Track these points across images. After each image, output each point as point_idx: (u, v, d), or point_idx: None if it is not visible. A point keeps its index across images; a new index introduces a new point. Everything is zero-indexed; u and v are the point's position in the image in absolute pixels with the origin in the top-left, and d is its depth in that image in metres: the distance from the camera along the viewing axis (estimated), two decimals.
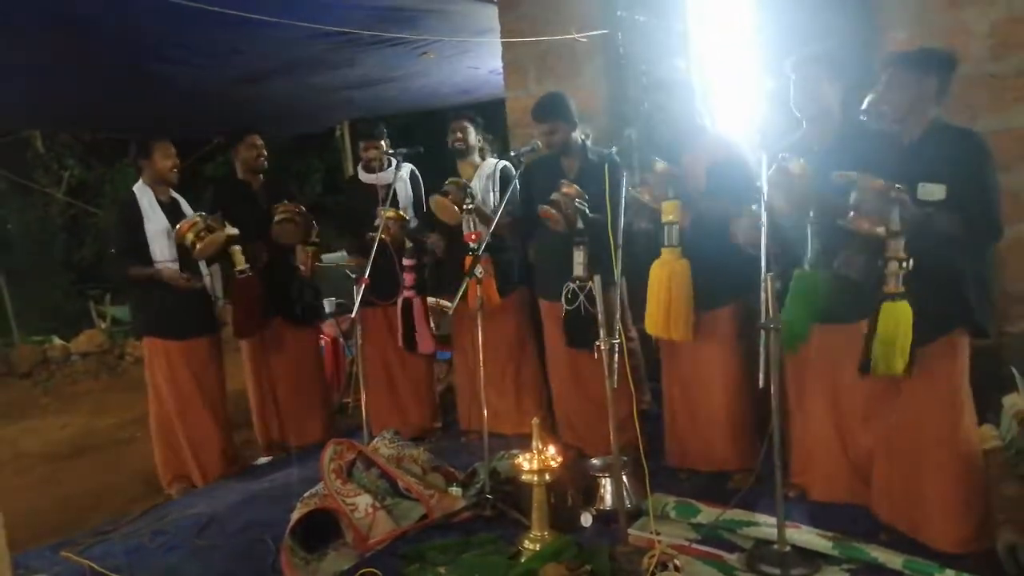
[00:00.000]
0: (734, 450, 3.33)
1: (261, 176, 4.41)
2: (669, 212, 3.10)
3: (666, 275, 3.15)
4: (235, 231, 4.03)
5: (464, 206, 3.69)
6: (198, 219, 3.92)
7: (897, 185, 2.38)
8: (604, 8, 4.54)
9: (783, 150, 2.90)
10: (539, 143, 3.69)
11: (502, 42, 4.88)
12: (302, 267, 4.32)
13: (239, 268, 4.06)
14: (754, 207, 2.72)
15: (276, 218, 4.14)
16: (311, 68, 5.46)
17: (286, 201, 4.25)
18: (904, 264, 2.42)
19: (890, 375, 2.53)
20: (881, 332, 2.49)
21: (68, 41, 4.25)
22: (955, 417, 2.62)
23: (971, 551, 2.58)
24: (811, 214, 2.68)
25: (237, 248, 4.05)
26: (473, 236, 3.58)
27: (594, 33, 4.49)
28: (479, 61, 5.89)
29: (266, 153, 4.37)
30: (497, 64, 5.16)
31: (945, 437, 2.62)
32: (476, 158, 4.16)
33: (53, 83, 5.12)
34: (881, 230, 2.41)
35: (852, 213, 2.47)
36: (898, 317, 2.46)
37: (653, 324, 3.23)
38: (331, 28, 4.38)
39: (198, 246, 3.85)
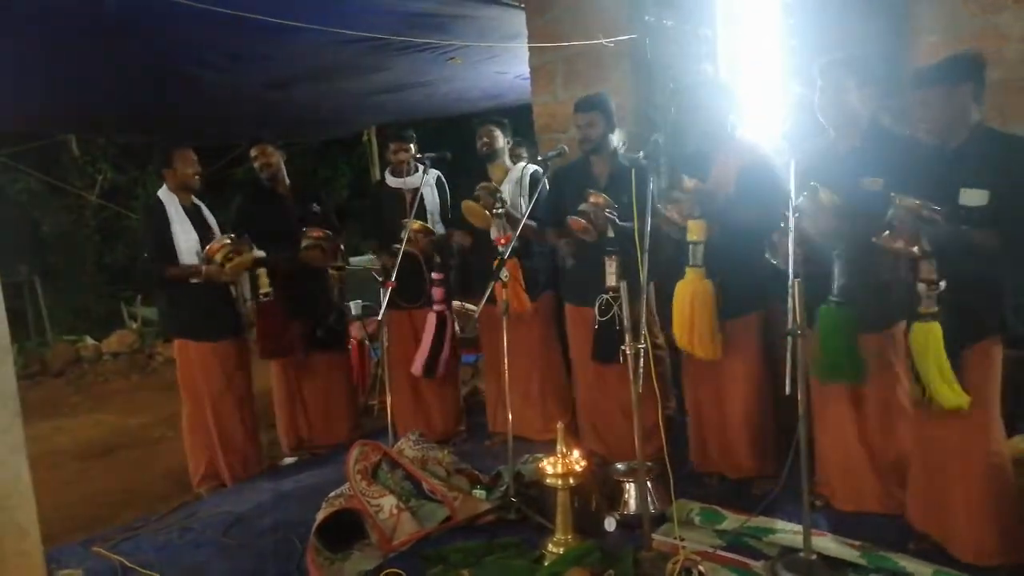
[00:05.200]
0: (754, 457, 3.32)
1: (286, 181, 4.45)
2: (694, 232, 3.11)
3: (688, 295, 3.16)
4: (262, 253, 4.10)
5: (494, 210, 3.70)
6: (228, 241, 3.97)
7: (932, 205, 2.33)
8: (632, 13, 4.53)
9: (808, 155, 2.87)
10: (566, 147, 3.69)
11: (529, 47, 4.90)
12: (334, 294, 4.36)
13: (263, 291, 4.14)
14: (781, 224, 2.69)
15: (303, 243, 4.21)
16: (340, 73, 5.51)
17: (309, 211, 4.32)
18: (934, 286, 2.40)
19: (949, 408, 2.47)
20: (914, 353, 2.48)
21: (102, 47, 4.34)
22: (985, 426, 2.56)
23: (1001, 564, 2.54)
24: (837, 249, 2.66)
25: (263, 271, 4.13)
26: (502, 240, 3.59)
27: (622, 38, 4.49)
28: (506, 66, 5.91)
29: (271, 160, 4.34)
30: (524, 69, 5.18)
31: (974, 446, 2.57)
32: (506, 162, 4.18)
33: (87, 88, 5.23)
34: (915, 249, 2.39)
35: (887, 232, 2.44)
36: (928, 338, 2.44)
37: (680, 339, 3.27)
38: (361, 34, 4.42)
39: (227, 267, 3.92)
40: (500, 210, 3.67)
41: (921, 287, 2.43)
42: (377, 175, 8.95)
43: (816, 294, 2.76)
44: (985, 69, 2.55)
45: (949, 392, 2.45)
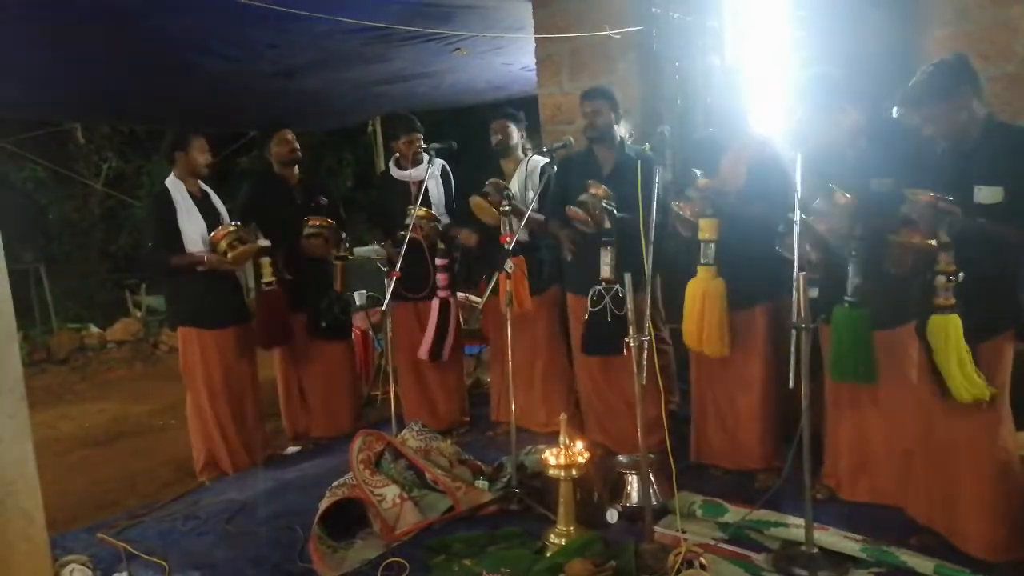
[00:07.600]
0: (761, 450, 3.33)
1: (296, 171, 4.42)
2: (706, 230, 3.12)
3: (700, 294, 3.18)
4: (267, 243, 4.09)
5: (501, 208, 3.66)
6: (232, 228, 3.95)
7: (947, 197, 2.33)
8: (638, 4, 4.52)
9: (816, 155, 2.84)
10: (572, 139, 3.68)
11: (536, 38, 4.88)
12: (336, 283, 4.33)
13: (266, 280, 4.13)
14: (789, 214, 2.68)
15: (305, 232, 4.18)
16: (345, 63, 5.50)
17: (318, 202, 4.30)
18: (953, 277, 2.39)
19: (968, 400, 2.45)
20: (933, 346, 2.47)
21: (108, 35, 4.34)
22: (994, 422, 2.55)
23: (1007, 559, 2.54)
24: (852, 250, 2.67)
25: (267, 260, 4.12)
26: (509, 237, 3.57)
27: (628, 30, 4.47)
28: (512, 57, 5.89)
29: (299, 147, 4.38)
30: (530, 61, 5.16)
31: (984, 442, 2.56)
32: (519, 155, 4.12)
33: (93, 76, 5.23)
34: (933, 242, 2.38)
35: (903, 228, 2.44)
36: (947, 330, 2.43)
37: (689, 338, 3.28)
38: (366, 23, 4.41)
39: (230, 255, 3.90)
40: (507, 207, 3.65)
41: (940, 279, 2.41)
42: (382, 165, 8.93)
43: (831, 292, 2.78)
44: (969, 65, 2.51)
45: (968, 385, 2.44)
